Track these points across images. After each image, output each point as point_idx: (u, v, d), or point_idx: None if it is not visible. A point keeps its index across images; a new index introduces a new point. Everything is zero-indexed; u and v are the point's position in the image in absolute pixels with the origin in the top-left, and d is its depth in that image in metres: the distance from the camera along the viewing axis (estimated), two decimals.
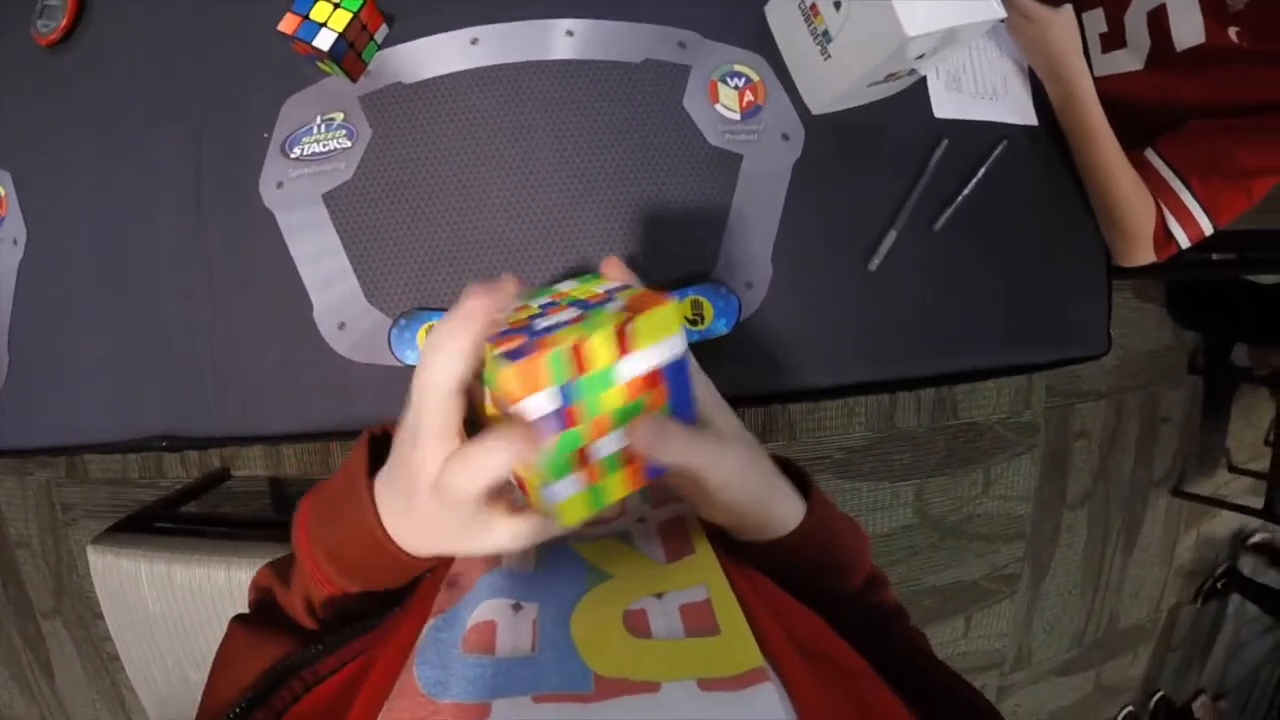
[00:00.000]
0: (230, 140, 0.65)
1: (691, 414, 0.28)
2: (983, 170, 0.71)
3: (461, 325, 0.26)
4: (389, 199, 0.64)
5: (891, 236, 0.68)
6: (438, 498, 0.26)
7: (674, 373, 0.27)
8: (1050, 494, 1.81)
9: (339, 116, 0.65)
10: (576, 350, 0.24)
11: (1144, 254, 0.78)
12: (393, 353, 0.62)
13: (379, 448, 0.33)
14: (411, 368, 0.37)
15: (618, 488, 0.28)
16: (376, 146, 0.64)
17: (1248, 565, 2.12)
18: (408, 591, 0.34)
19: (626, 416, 0.26)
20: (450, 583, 0.31)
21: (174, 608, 0.94)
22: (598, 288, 0.30)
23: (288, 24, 0.60)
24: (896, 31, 0.55)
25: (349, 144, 0.64)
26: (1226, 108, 0.75)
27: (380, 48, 0.66)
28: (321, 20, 0.60)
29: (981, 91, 0.74)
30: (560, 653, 0.25)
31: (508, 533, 0.28)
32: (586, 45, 0.66)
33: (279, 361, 0.64)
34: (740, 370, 0.65)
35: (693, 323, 0.62)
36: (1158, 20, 0.79)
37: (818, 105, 0.68)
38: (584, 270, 0.63)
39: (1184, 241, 0.77)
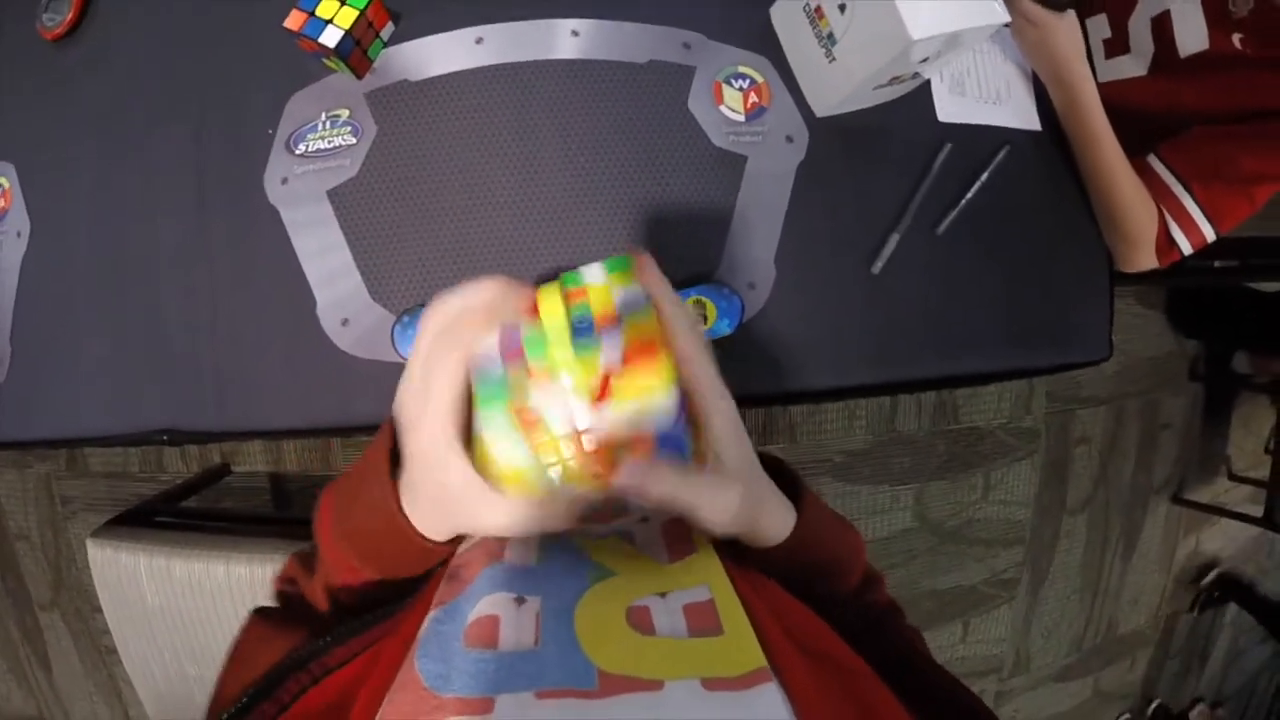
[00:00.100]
0: (234, 136, 0.65)
1: (684, 457, 0.29)
2: (986, 174, 0.71)
3: (457, 339, 0.28)
4: (393, 196, 0.64)
5: (894, 239, 0.68)
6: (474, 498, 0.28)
7: (659, 424, 0.27)
8: (1050, 499, 1.80)
9: (344, 113, 0.65)
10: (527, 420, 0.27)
11: (1146, 260, 0.78)
12: (396, 349, 0.62)
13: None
14: None
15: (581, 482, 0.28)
16: (381, 143, 0.64)
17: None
18: (422, 582, 0.34)
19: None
20: (451, 575, 0.31)
21: (173, 602, 0.93)
22: (618, 295, 0.29)
23: (294, 20, 0.60)
24: (901, 34, 0.55)
25: (354, 141, 0.64)
26: (1230, 114, 0.75)
27: (386, 45, 0.66)
28: (328, 17, 0.60)
29: (985, 96, 0.74)
30: (563, 648, 0.25)
31: (504, 512, 0.29)
32: (591, 45, 0.66)
33: (281, 357, 0.64)
34: (742, 371, 0.65)
35: None
36: (1161, 26, 0.79)
37: (822, 107, 0.68)
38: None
39: (1186, 248, 0.77)
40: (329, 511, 0.36)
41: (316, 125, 0.65)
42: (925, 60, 0.61)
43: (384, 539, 0.32)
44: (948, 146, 0.71)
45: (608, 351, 0.26)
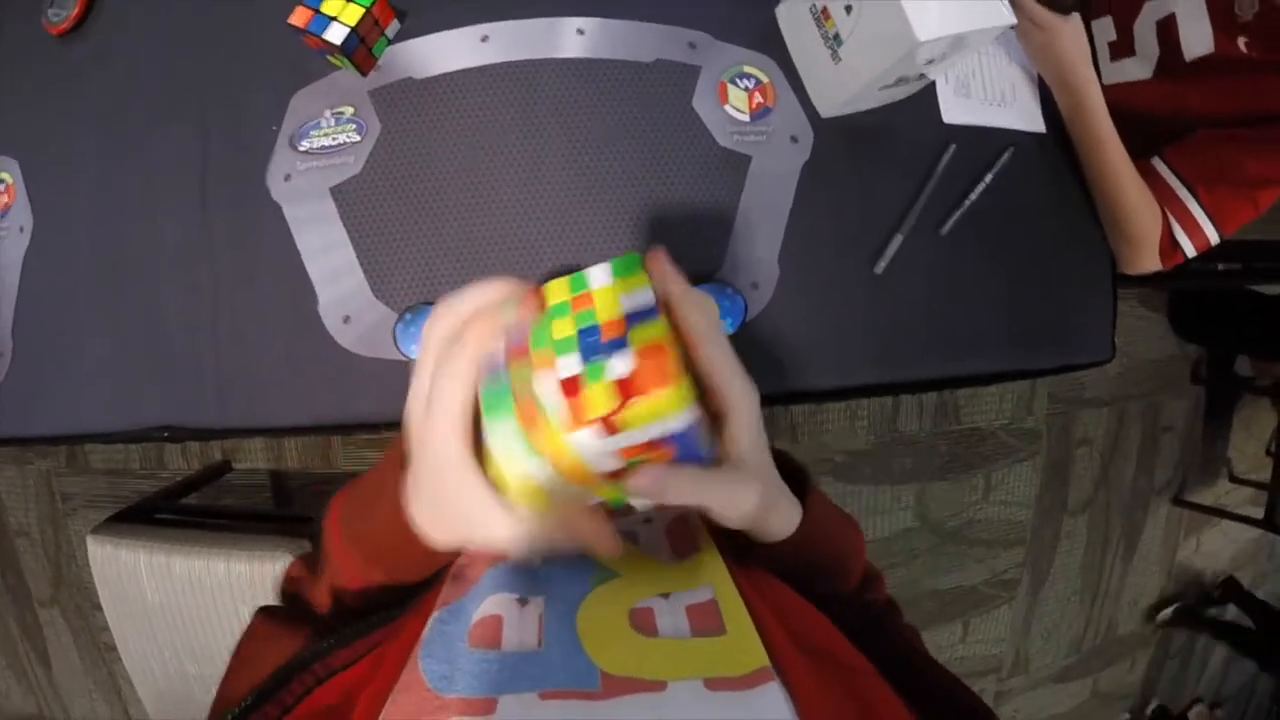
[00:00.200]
0: (238, 133, 0.65)
1: (705, 457, 0.28)
2: (990, 175, 0.71)
3: (460, 358, 0.27)
4: (397, 194, 0.64)
5: (898, 240, 0.68)
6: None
7: (678, 441, 0.26)
8: (1051, 501, 1.81)
9: (348, 111, 0.65)
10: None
11: (1150, 262, 0.78)
12: (398, 347, 0.62)
13: None
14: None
15: (615, 496, 0.28)
16: (386, 141, 0.64)
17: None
18: (427, 586, 0.34)
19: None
20: (455, 576, 0.30)
21: (172, 599, 0.94)
22: (625, 299, 0.27)
23: (299, 17, 0.60)
24: (907, 36, 0.55)
25: (358, 138, 0.64)
26: (1235, 117, 0.75)
27: (391, 42, 0.66)
28: (333, 14, 0.60)
29: (990, 98, 0.74)
30: (566, 649, 0.25)
31: (512, 527, 0.28)
32: (597, 44, 0.66)
33: (283, 354, 0.64)
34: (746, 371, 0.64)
35: None
36: (1167, 30, 0.79)
37: (827, 108, 0.68)
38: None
39: (1190, 250, 0.77)
40: (339, 514, 0.36)
41: (320, 122, 0.65)
42: (931, 62, 0.61)
43: (391, 544, 0.32)
44: (952, 148, 0.70)
45: (615, 368, 0.25)
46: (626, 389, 0.24)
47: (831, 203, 0.68)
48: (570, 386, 0.25)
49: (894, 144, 0.70)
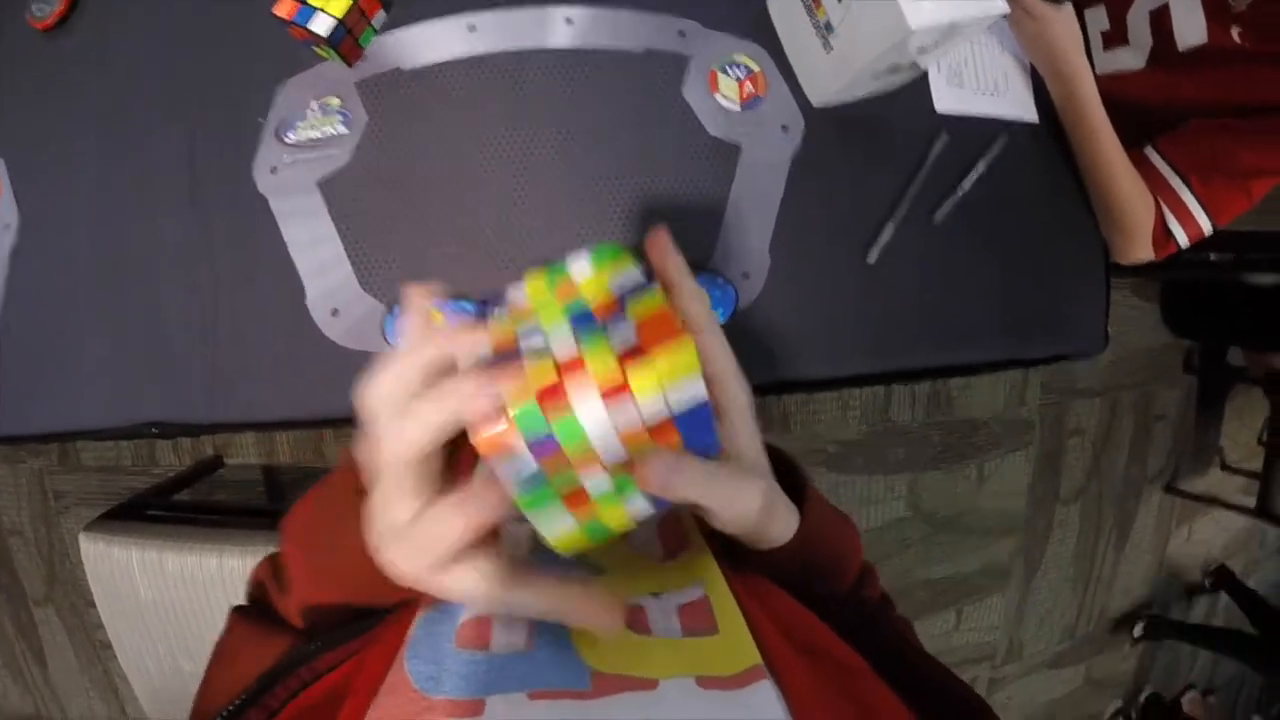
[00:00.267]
0: (224, 125, 0.64)
1: (713, 454, 0.26)
2: (982, 164, 0.71)
3: (426, 408, 0.23)
4: (384, 186, 0.63)
5: (890, 229, 0.68)
6: (407, 546, 0.24)
7: (690, 420, 0.23)
8: (1044, 490, 1.82)
9: (335, 102, 0.64)
10: (546, 395, 0.22)
11: (1143, 252, 0.78)
12: (386, 340, 0.61)
13: None
14: None
15: (616, 521, 0.25)
16: (373, 133, 0.64)
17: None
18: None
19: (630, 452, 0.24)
20: None
21: (166, 596, 0.93)
22: (613, 282, 0.26)
23: (284, 9, 0.59)
24: (899, 24, 0.55)
25: (345, 130, 0.64)
26: (1228, 108, 0.75)
27: (377, 33, 0.65)
28: (319, 4, 0.59)
29: (983, 87, 0.74)
30: (556, 648, 0.25)
31: (467, 585, 0.25)
32: (585, 33, 0.65)
33: (272, 348, 0.63)
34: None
35: None
36: (1160, 19, 0.79)
37: (818, 97, 0.68)
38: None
39: (1183, 240, 0.77)
40: (298, 544, 0.34)
41: (307, 114, 0.64)
42: (923, 50, 0.61)
43: (361, 579, 0.30)
44: (944, 137, 0.70)
45: (618, 335, 0.23)
46: (632, 356, 0.22)
47: (823, 192, 0.68)
48: (571, 368, 0.22)
49: (886, 133, 0.69)
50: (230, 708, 0.27)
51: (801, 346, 0.67)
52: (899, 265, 0.69)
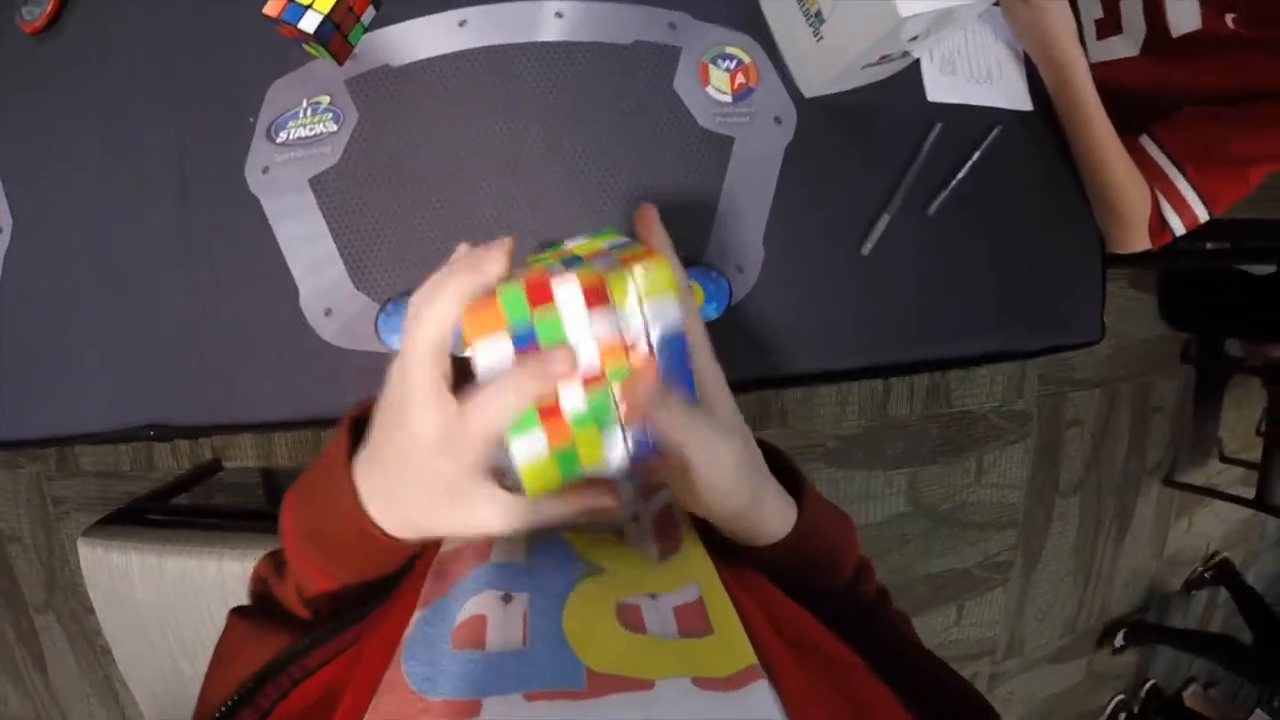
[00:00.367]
0: (215, 126, 0.64)
1: (692, 394, 0.27)
2: (977, 155, 0.71)
3: (446, 284, 0.26)
4: (376, 183, 0.63)
5: (884, 221, 0.68)
6: (445, 454, 0.26)
7: (665, 345, 0.25)
8: (1043, 482, 1.81)
9: (325, 100, 0.64)
10: (533, 288, 0.23)
11: (1139, 241, 0.78)
12: (379, 338, 0.61)
13: (361, 432, 0.33)
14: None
15: (590, 455, 0.26)
16: (363, 130, 0.63)
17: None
18: (399, 580, 0.33)
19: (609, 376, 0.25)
20: (437, 574, 0.30)
21: (165, 600, 0.93)
22: (604, 244, 0.28)
23: (272, 7, 0.59)
24: (890, 12, 0.55)
25: (335, 128, 0.63)
26: (1222, 95, 0.74)
27: (367, 30, 0.65)
28: (307, 2, 0.59)
29: (976, 75, 0.73)
30: (552, 647, 0.25)
31: (496, 510, 0.28)
32: (576, 27, 0.65)
33: (265, 349, 0.63)
34: (731, 355, 0.63)
35: None
36: (1154, 7, 0.78)
37: (810, 88, 0.68)
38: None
39: (1179, 229, 0.77)
40: (291, 515, 0.35)
41: (297, 113, 0.64)
42: (915, 39, 0.60)
43: (348, 539, 0.31)
44: (938, 126, 0.70)
45: (603, 263, 0.24)
46: (607, 271, 0.24)
47: (817, 183, 0.67)
48: (559, 277, 0.24)
49: (879, 123, 0.69)
50: (223, 709, 0.27)
51: (797, 340, 0.67)
52: (894, 257, 0.68)
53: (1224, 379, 1.99)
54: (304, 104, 0.64)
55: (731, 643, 0.24)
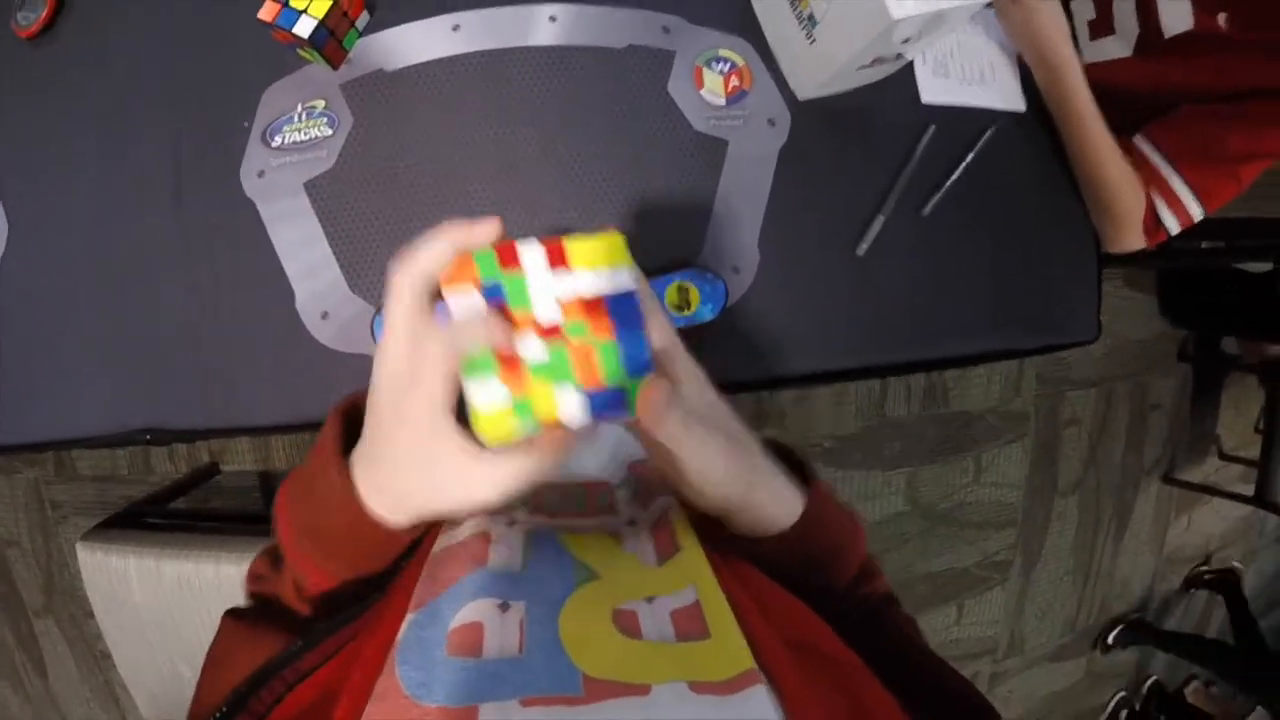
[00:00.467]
0: (210, 130, 0.64)
1: (644, 358, 0.28)
2: (971, 156, 0.71)
3: (437, 236, 0.28)
4: (371, 187, 0.63)
5: (879, 222, 0.68)
6: (413, 389, 0.28)
7: (618, 306, 0.27)
8: (1041, 481, 1.81)
9: (320, 104, 0.64)
10: (503, 250, 0.27)
11: (1134, 240, 0.78)
12: (375, 341, 0.61)
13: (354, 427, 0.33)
14: None
15: (544, 408, 0.27)
16: (358, 134, 0.64)
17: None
18: (391, 577, 0.33)
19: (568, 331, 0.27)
20: (430, 575, 0.30)
21: (163, 603, 0.93)
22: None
23: (267, 11, 0.59)
24: (882, 14, 0.55)
25: (330, 132, 0.64)
26: (1215, 94, 0.74)
27: (361, 35, 0.65)
28: (301, 8, 0.59)
29: (969, 77, 0.74)
30: (548, 653, 0.24)
31: (489, 478, 0.28)
32: (569, 31, 0.65)
33: (262, 352, 0.63)
34: (727, 357, 0.65)
35: (679, 308, 0.62)
36: (1146, 7, 0.79)
37: (804, 90, 0.68)
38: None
39: (1174, 227, 0.77)
40: (285, 511, 0.35)
41: (292, 117, 0.64)
42: (908, 41, 0.61)
43: (343, 529, 0.32)
44: (932, 128, 0.70)
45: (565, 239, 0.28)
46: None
47: (811, 185, 0.68)
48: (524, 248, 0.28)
49: (873, 125, 0.69)
50: (219, 713, 0.27)
51: (792, 341, 0.67)
52: (889, 258, 0.69)
53: (1221, 377, 1.98)
54: (299, 108, 0.64)
55: (729, 646, 0.24)
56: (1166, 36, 0.78)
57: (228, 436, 0.66)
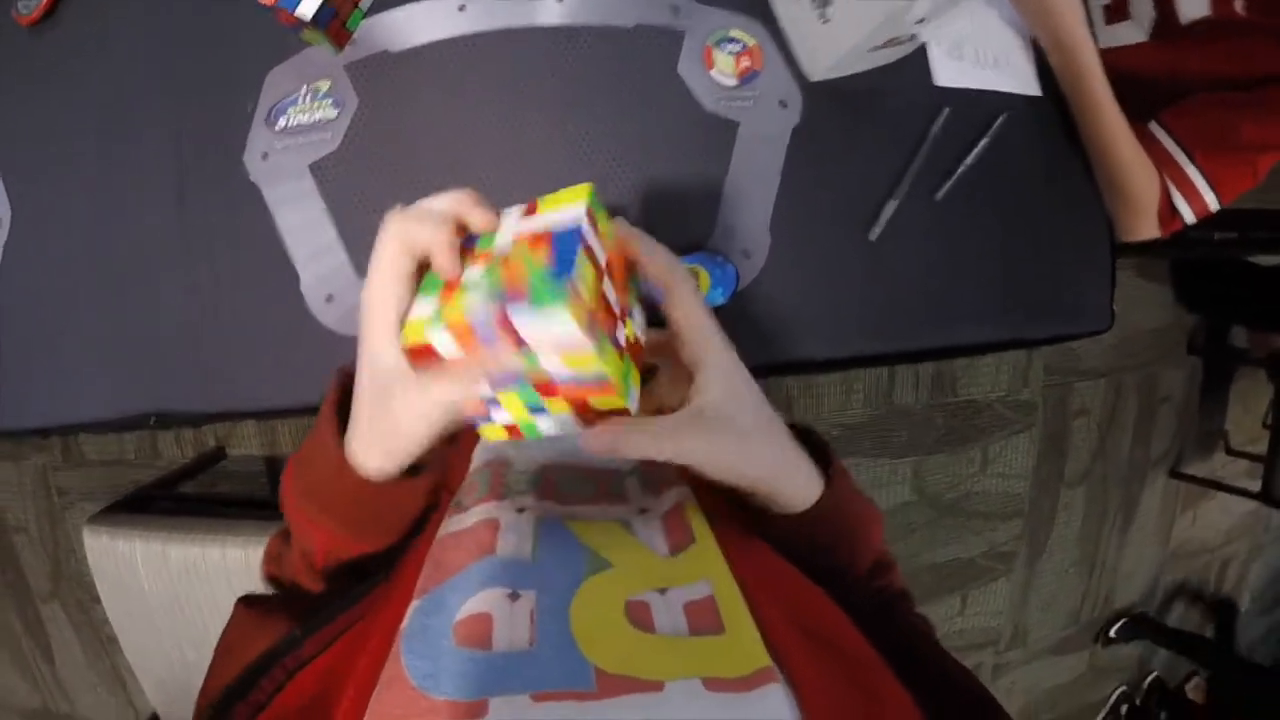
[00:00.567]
0: (213, 113, 0.64)
1: (565, 275, 0.27)
2: (985, 140, 0.70)
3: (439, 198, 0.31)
4: (377, 169, 0.63)
5: (892, 206, 0.67)
6: (370, 312, 0.30)
7: (561, 236, 0.28)
8: (1048, 472, 1.81)
9: (325, 86, 0.63)
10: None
11: (1149, 229, 0.77)
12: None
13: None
14: None
15: (455, 310, 0.28)
16: (363, 116, 0.63)
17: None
18: (393, 560, 0.33)
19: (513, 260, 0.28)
20: (435, 561, 0.30)
21: (169, 588, 0.93)
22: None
23: None
24: None
25: (335, 114, 0.63)
26: (1232, 81, 0.73)
27: (365, 15, 0.64)
28: None
29: (983, 60, 0.72)
30: (559, 647, 0.24)
31: (417, 407, 0.30)
32: (577, 10, 0.64)
33: (267, 336, 0.63)
34: (737, 341, 0.63)
35: None
36: None
37: (816, 71, 0.67)
38: None
39: (1189, 216, 0.76)
40: (289, 476, 0.36)
41: (297, 99, 0.63)
42: (921, 21, 0.60)
43: (332, 483, 0.33)
44: (945, 111, 0.69)
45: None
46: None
47: (823, 168, 0.67)
48: None
49: (886, 107, 0.68)
50: (216, 704, 0.26)
51: (803, 327, 0.66)
52: (901, 243, 0.68)
53: (1230, 371, 1.97)
54: (303, 90, 0.64)
55: (743, 642, 0.24)
56: (1183, 22, 0.76)
57: (233, 420, 0.65)
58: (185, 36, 0.65)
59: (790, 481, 0.33)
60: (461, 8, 0.64)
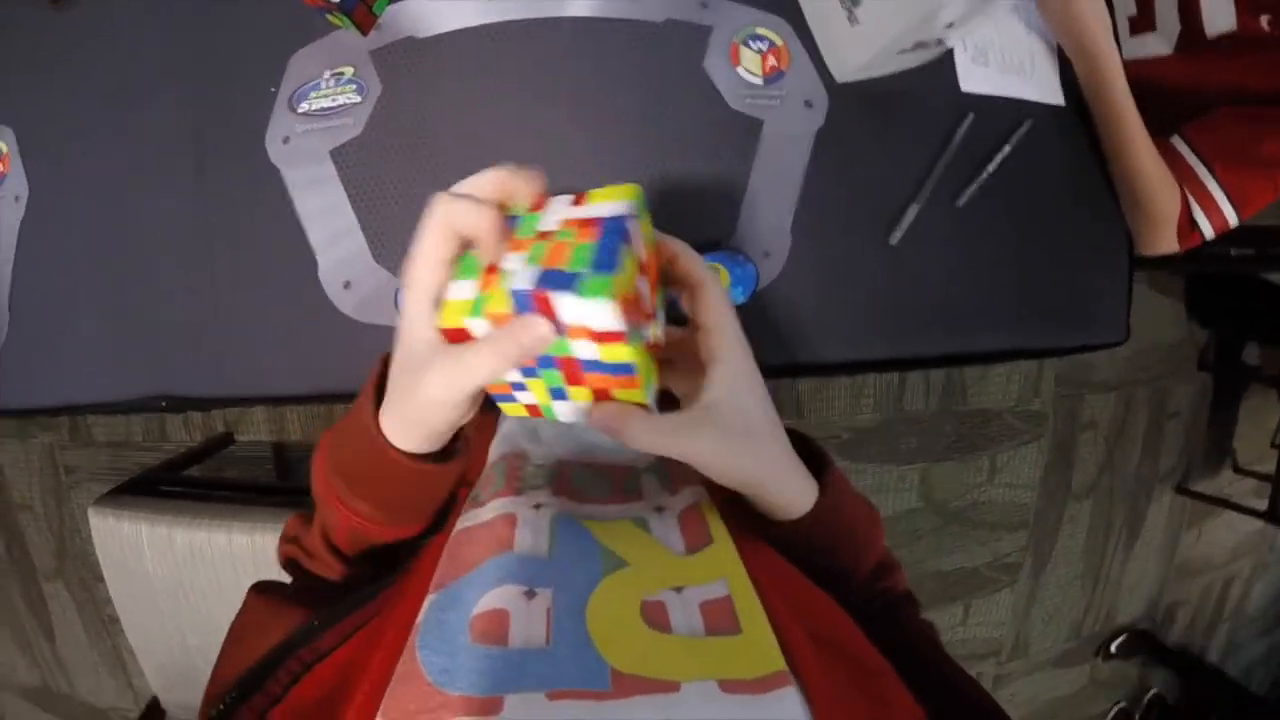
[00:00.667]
0: (235, 96, 0.64)
1: (612, 261, 0.27)
2: (1008, 148, 0.69)
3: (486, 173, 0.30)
4: (399, 156, 0.62)
5: (914, 210, 0.67)
6: (410, 297, 0.29)
7: (610, 223, 0.28)
8: (1055, 484, 1.80)
9: (349, 71, 0.63)
10: (536, 201, 0.31)
11: (1167, 242, 0.77)
12: (398, 312, 0.60)
13: None
14: None
15: (496, 299, 0.27)
16: (386, 102, 0.63)
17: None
18: (411, 556, 0.33)
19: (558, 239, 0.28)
20: (451, 556, 0.30)
21: (174, 572, 0.93)
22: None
23: None
24: None
25: (358, 99, 0.63)
26: (1256, 95, 0.73)
27: (392, 1, 0.64)
28: None
29: (1009, 67, 0.72)
30: (575, 645, 0.24)
31: (444, 372, 0.28)
32: (604, 2, 0.64)
33: (282, 321, 0.63)
34: (755, 341, 0.63)
35: None
36: (1188, 5, 0.77)
37: (842, 72, 0.66)
38: None
39: (1209, 231, 0.76)
40: (322, 452, 0.36)
41: (320, 83, 0.63)
42: (951, 25, 0.59)
43: (368, 460, 0.33)
44: (970, 117, 0.69)
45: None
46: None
47: (846, 170, 0.66)
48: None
49: (911, 111, 0.68)
50: (231, 695, 0.26)
51: (820, 329, 0.66)
52: (921, 248, 0.67)
53: (1241, 388, 1.96)
54: (326, 75, 0.63)
55: (760, 644, 0.24)
56: (1208, 36, 0.76)
57: (244, 405, 0.65)
58: (210, 15, 0.65)
59: (785, 486, 0.34)
60: None
